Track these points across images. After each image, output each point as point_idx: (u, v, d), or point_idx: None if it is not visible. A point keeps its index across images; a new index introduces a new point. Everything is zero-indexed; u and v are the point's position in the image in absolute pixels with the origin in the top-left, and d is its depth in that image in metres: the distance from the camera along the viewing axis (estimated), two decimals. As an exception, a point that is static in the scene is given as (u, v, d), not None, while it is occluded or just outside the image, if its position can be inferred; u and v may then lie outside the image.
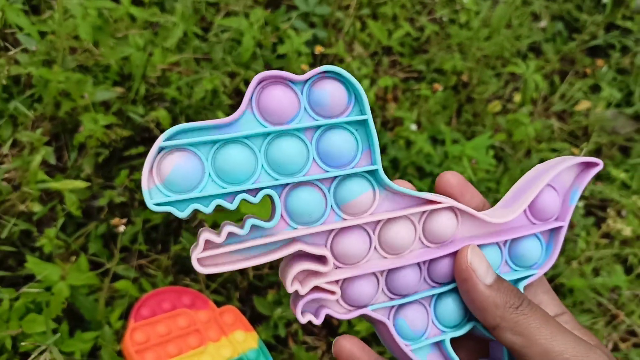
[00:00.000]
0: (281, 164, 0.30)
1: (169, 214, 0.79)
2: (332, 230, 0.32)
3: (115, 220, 0.67)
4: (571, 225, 0.99)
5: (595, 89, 1.22)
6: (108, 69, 0.85)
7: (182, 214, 0.29)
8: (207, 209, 0.29)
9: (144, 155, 0.82)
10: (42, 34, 0.84)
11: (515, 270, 0.37)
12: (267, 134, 0.30)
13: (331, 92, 0.30)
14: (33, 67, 0.77)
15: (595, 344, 0.34)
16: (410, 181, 0.92)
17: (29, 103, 0.81)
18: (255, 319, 0.79)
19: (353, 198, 0.31)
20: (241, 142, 0.29)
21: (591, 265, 0.94)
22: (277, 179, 0.30)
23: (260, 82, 0.29)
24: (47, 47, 0.83)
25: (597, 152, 1.13)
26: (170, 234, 0.81)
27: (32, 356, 0.54)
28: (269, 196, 0.30)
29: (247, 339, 0.73)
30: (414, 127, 0.95)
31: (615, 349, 0.91)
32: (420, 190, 0.39)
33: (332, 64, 1.02)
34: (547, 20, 1.28)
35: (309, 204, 0.31)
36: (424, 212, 0.34)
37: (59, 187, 0.71)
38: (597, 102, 1.16)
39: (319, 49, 0.92)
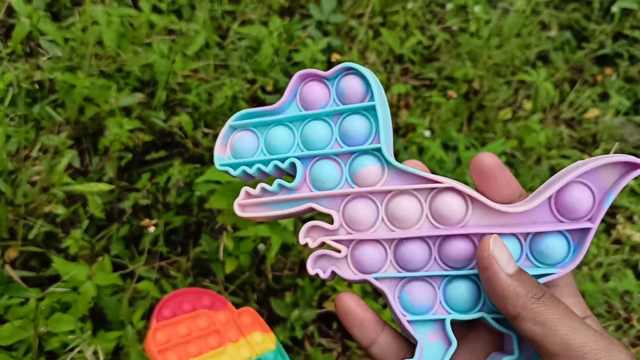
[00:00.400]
0: (311, 142, 0.37)
1: (188, 217, 0.80)
2: (344, 198, 0.37)
3: (145, 221, 0.68)
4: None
5: (604, 97, 1.24)
6: (129, 75, 0.87)
7: (235, 172, 0.37)
8: (251, 169, 0.37)
9: (165, 159, 0.84)
10: (65, 41, 0.86)
11: (537, 267, 0.36)
12: (305, 118, 0.38)
13: (351, 85, 0.37)
14: (58, 73, 0.78)
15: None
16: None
17: (52, 108, 0.83)
18: (273, 321, 0.81)
19: (362, 167, 0.36)
20: (286, 124, 0.38)
21: (602, 270, 0.95)
22: (303, 151, 0.37)
23: (301, 78, 0.37)
24: (70, 53, 0.85)
25: (606, 160, 1.15)
26: (189, 236, 0.82)
27: (71, 350, 0.55)
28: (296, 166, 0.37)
29: (265, 340, 0.74)
30: (427, 133, 0.96)
31: (626, 353, 0.92)
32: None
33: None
34: (556, 29, 1.30)
35: (327, 172, 0.37)
36: (430, 190, 0.37)
37: (84, 190, 0.73)
38: (605, 110, 1.17)
39: (335, 57, 0.94)
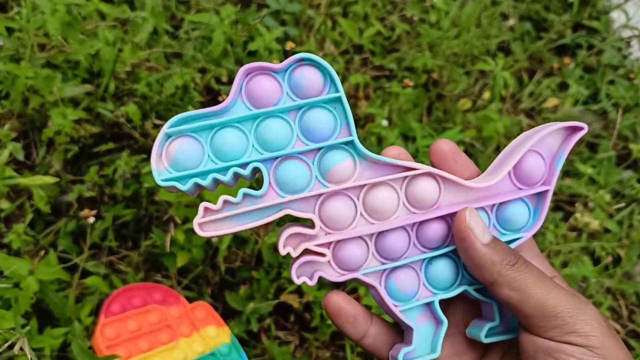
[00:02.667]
0: (269, 142, 0.34)
1: (138, 209, 0.78)
2: (318, 198, 0.36)
3: (84, 212, 0.66)
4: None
5: (563, 86, 1.25)
6: (77, 65, 0.84)
7: (185, 187, 0.33)
8: (205, 181, 0.33)
9: (113, 151, 0.82)
10: (10, 31, 0.84)
11: (504, 234, 0.39)
12: (256, 117, 0.34)
13: (308, 77, 0.34)
14: (0, 63, 0.76)
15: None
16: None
17: (-4, 100, 0.80)
18: (228, 314, 0.79)
19: (333, 166, 0.35)
20: (234, 126, 0.34)
21: (560, 258, 0.96)
22: (264, 154, 0.34)
23: (246, 73, 0.34)
24: (15, 44, 0.82)
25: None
26: (140, 230, 0.80)
27: (11, 348, 0.53)
28: (259, 170, 0.35)
29: (219, 334, 0.73)
30: (385, 123, 0.96)
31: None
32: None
33: (303, 61, 1.02)
34: (516, 20, 1.31)
35: (295, 173, 0.35)
36: (405, 178, 0.37)
37: (28, 183, 0.70)
38: (564, 100, 1.18)
39: (290, 45, 0.92)
